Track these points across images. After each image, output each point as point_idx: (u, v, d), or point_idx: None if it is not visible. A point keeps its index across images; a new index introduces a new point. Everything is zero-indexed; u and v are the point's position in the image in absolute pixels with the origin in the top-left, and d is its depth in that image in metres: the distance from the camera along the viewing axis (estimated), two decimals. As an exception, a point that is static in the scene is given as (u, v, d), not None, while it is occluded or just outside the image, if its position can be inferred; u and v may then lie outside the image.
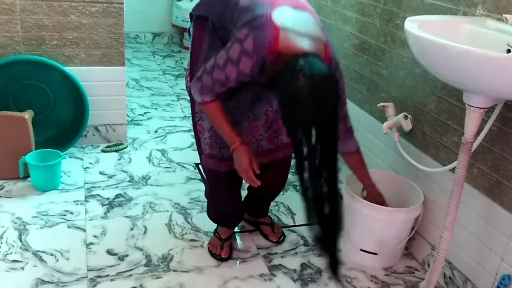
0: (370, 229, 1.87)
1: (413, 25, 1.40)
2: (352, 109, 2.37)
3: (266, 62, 1.41)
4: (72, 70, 2.41)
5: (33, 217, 2.02)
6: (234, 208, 1.92)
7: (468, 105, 1.39)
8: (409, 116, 1.93)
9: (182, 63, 4.42)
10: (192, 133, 2.89)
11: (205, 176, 1.92)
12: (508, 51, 1.36)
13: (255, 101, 1.69)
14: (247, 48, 1.39)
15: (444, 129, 1.78)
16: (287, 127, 1.45)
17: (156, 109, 3.29)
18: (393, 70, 2.07)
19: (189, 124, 3.06)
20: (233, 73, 1.43)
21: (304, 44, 1.41)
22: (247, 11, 1.45)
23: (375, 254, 1.89)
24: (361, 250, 1.90)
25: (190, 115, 3.09)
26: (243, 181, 1.95)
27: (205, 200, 2.02)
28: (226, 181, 1.81)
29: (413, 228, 1.90)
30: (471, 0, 1.63)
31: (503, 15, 1.38)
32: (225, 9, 1.54)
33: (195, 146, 2.73)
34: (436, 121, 1.82)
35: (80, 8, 2.36)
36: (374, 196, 1.84)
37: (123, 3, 2.41)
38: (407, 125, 1.92)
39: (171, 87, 3.77)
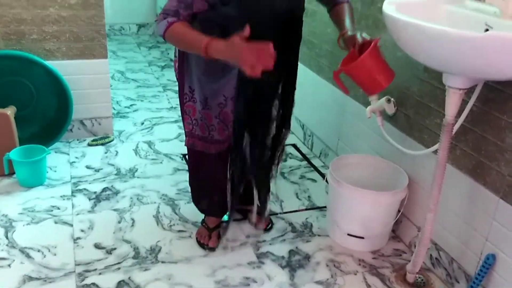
0: (356, 213, 1.88)
1: (391, 7, 1.40)
2: (336, 95, 2.38)
3: None
4: (54, 64, 2.38)
5: (19, 213, 2.01)
6: (221, 196, 1.91)
7: (448, 86, 1.39)
8: (392, 99, 1.93)
9: (168, 53, 4.39)
10: (179, 124, 2.90)
11: (189, 163, 1.89)
12: (486, 30, 1.36)
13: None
14: None
15: (427, 111, 1.78)
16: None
17: (142, 101, 3.28)
18: (376, 54, 2.06)
19: (175, 115, 3.04)
20: None
21: None
22: None
23: (362, 238, 1.90)
24: (348, 234, 1.91)
25: (177, 106, 3.10)
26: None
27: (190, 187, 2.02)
28: (213, 165, 1.80)
29: (399, 211, 1.91)
30: (449, -19, 1.62)
31: (480, -6, 1.38)
32: None
33: (182, 137, 2.73)
34: (419, 104, 1.82)
35: (59, 0, 2.32)
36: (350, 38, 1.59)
37: (102, -6, 2.39)
38: (390, 109, 1.93)
39: (157, 78, 3.75)
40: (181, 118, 1.85)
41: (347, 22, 1.60)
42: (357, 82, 1.58)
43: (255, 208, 1.81)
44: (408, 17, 1.28)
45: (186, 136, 1.77)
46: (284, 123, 1.71)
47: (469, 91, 1.49)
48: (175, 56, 1.77)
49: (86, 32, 2.43)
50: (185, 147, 1.81)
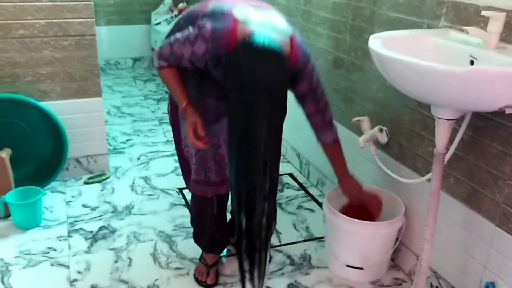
0: (354, 244, 1.87)
1: (377, 42, 1.42)
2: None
3: (221, 54, 1.44)
4: (49, 105, 2.40)
5: (15, 257, 1.99)
6: (220, 234, 1.91)
7: (437, 117, 1.40)
8: (384, 128, 1.94)
9: (164, 86, 4.41)
10: (175, 158, 2.90)
11: (190, 203, 1.91)
12: (472, 62, 1.38)
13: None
14: (204, 34, 1.44)
15: (419, 140, 1.79)
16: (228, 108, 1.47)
17: (138, 135, 3.29)
18: (366, 84, 2.09)
19: (171, 148, 3.05)
20: (188, 52, 1.49)
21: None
22: (209, 13, 1.51)
23: (361, 269, 1.89)
24: (347, 265, 1.90)
25: (172, 139, 3.10)
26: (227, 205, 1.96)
27: (189, 226, 2.01)
28: (212, 207, 1.80)
29: (397, 239, 1.90)
30: (434, 12, 1.65)
31: (463, 27, 1.40)
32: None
33: (178, 171, 2.73)
34: (411, 133, 1.83)
35: (52, 43, 2.36)
36: (352, 195, 1.86)
37: (95, 35, 2.42)
38: (383, 138, 1.94)
39: (153, 111, 3.77)
40: (177, 157, 1.87)
41: (342, 173, 1.83)
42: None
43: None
44: (393, 52, 1.29)
45: (188, 181, 1.79)
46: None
47: (459, 120, 1.50)
48: (169, 100, 1.80)
49: (80, 72, 2.46)
50: (181, 181, 1.83)
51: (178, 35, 1.52)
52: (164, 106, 3.88)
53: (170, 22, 4.56)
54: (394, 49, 1.34)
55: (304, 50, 1.53)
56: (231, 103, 1.42)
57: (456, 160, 1.62)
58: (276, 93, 1.38)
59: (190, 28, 1.49)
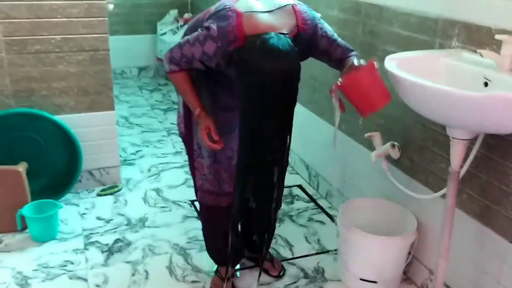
0: (367, 258, 1.90)
1: (392, 64, 1.46)
2: (343, 139, 2.42)
3: (231, 50, 1.49)
4: (63, 118, 2.44)
5: (33, 270, 2.02)
6: (234, 247, 1.94)
7: (452, 137, 1.44)
8: (396, 144, 1.98)
9: (170, 96, 4.46)
10: (185, 169, 2.94)
11: (200, 217, 1.94)
12: (485, 84, 1.42)
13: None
14: (212, 34, 1.49)
15: (431, 156, 1.83)
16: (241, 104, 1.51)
17: (147, 146, 3.32)
18: (378, 99, 2.12)
19: (181, 159, 3.09)
20: (198, 52, 1.52)
21: (270, 19, 1.49)
22: (213, 13, 1.56)
23: (375, 282, 1.92)
24: (361, 279, 1.93)
25: (182, 150, 3.14)
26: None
27: (203, 238, 2.05)
28: (224, 218, 1.83)
29: (409, 253, 1.94)
30: (446, 32, 1.70)
31: (478, 50, 1.44)
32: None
33: (189, 183, 2.77)
34: (423, 149, 1.87)
35: (67, 57, 2.40)
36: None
37: (109, 50, 2.46)
38: (395, 154, 1.97)
39: (161, 122, 3.81)
40: (189, 168, 1.89)
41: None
42: (352, 99, 1.50)
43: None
44: (409, 75, 1.33)
45: (197, 191, 1.81)
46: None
47: (473, 138, 1.54)
48: (178, 113, 1.83)
49: (93, 86, 2.50)
50: (193, 193, 1.85)
51: (187, 38, 1.57)
52: (171, 117, 3.91)
53: (176, 32, 4.61)
54: (409, 70, 1.38)
55: (308, 14, 1.59)
56: (243, 98, 1.48)
57: (470, 177, 1.66)
58: (288, 90, 1.45)
59: (199, 30, 1.54)
